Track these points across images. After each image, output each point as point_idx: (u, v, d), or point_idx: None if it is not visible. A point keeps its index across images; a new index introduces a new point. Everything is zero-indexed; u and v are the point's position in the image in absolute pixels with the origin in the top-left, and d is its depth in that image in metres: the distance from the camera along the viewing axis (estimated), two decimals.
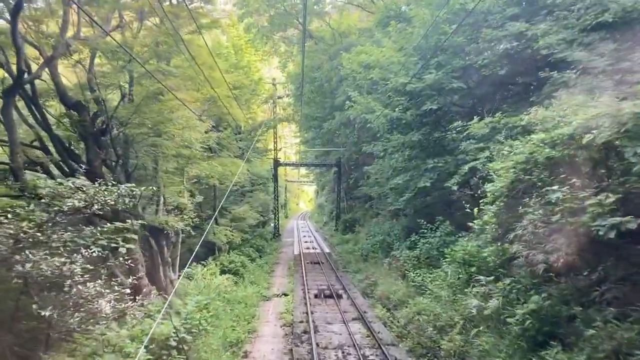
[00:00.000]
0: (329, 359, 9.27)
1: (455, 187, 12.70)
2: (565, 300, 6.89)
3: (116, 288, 6.59)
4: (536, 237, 7.38)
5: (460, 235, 12.21)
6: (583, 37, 9.27)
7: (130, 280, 7.38)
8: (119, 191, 6.50)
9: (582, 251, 7.07)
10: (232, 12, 31.73)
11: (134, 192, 6.92)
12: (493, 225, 8.57)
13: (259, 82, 27.37)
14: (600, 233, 5.51)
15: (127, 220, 7.53)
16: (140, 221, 7.59)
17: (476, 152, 11.46)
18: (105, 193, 6.33)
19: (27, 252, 5.30)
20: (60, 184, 6.18)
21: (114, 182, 6.74)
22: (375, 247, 20.30)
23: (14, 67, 8.31)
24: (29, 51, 9.98)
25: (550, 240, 7.23)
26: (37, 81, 10.08)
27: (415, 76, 14.20)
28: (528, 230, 7.53)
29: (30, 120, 9.97)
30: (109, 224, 6.78)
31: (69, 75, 11.47)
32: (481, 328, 7.87)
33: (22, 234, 5.40)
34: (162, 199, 12.32)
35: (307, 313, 12.61)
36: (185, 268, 9.49)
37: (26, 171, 8.74)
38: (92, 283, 6.12)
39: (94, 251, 6.25)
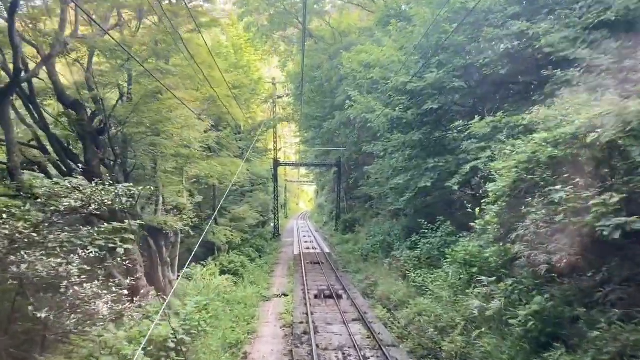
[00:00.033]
0: None
1: (456, 187, 12.62)
2: (568, 302, 6.81)
3: (114, 289, 6.50)
4: (538, 238, 7.30)
5: (461, 235, 12.14)
6: (586, 35, 9.19)
7: (128, 281, 7.27)
8: (116, 191, 6.41)
9: (585, 252, 7.00)
10: (232, 11, 31.65)
11: (132, 192, 6.83)
12: (495, 225, 8.49)
13: (258, 82, 27.28)
14: (605, 233, 5.42)
15: (125, 221, 7.46)
16: (138, 221, 7.49)
17: (477, 152, 11.38)
18: (102, 193, 6.24)
19: (22, 252, 5.22)
20: (57, 183, 6.09)
21: (111, 182, 6.64)
22: (375, 247, 20.21)
23: (11, 66, 8.22)
24: (27, 50, 9.91)
25: (552, 240, 7.15)
26: (34, 80, 10.00)
27: (416, 75, 14.12)
28: (530, 230, 7.46)
29: (29, 120, 9.90)
30: (106, 224, 6.69)
31: (67, 74, 11.39)
32: (483, 329, 7.78)
33: (17, 235, 5.31)
34: (161, 198, 12.24)
35: (307, 314, 12.53)
36: (184, 268, 9.39)
37: (25, 171, 8.67)
38: (89, 284, 6.03)
39: (91, 252, 6.16)
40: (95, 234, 6.26)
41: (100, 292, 6.17)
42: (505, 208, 8.09)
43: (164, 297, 9.80)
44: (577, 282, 6.96)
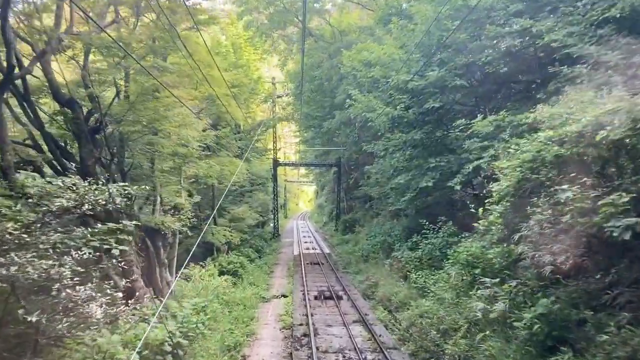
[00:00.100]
0: None
1: (458, 187, 12.45)
2: (574, 304, 6.64)
3: (108, 291, 6.33)
4: (543, 238, 7.14)
5: (463, 236, 11.97)
6: (593, 30, 9.04)
7: (123, 282, 7.10)
8: (110, 190, 6.23)
9: (592, 253, 6.84)
10: (231, 10, 31.51)
11: (127, 192, 6.65)
12: (499, 225, 8.33)
13: (258, 81, 27.13)
14: (615, 234, 5.25)
15: (121, 221, 7.28)
16: (134, 222, 7.31)
17: (480, 151, 11.21)
18: (96, 192, 6.06)
19: (12, 254, 5.04)
20: (49, 182, 5.91)
21: (104, 181, 6.46)
22: (375, 248, 20.04)
23: (4, 63, 8.04)
24: (23, 48, 9.74)
25: (557, 241, 6.99)
26: (30, 78, 9.85)
27: (417, 74, 13.95)
28: (534, 230, 7.30)
29: (24, 119, 9.71)
30: (100, 225, 6.51)
31: (63, 72, 11.22)
32: (487, 332, 7.60)
33: (7, 236, 5.13)
34: (158, 198, 12.06)
35: (306, 315, 12.36)
36: (182, 269, 9.21)
37: (21, 171, 8.50)
38: (82, 286, 5.85)
39: (85, 253, 5.98)
40: (89, 235, 6.08)
41: (94, 294, 5.99)
42: (510, 208, 7.93)
43: (161, 298, 9.62)
44: (583, 283, 6.79)
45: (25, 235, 5.22)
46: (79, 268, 5.96)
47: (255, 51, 30.97)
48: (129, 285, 8.10)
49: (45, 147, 9.70)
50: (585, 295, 6.65)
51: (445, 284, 10.64)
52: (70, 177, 6.38)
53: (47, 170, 9.64)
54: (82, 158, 9.45)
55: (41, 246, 5.44)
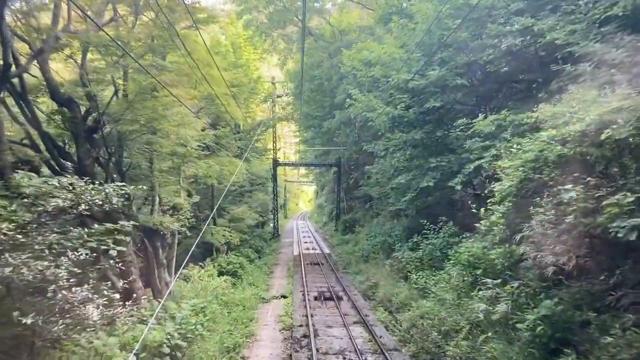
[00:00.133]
0: None
1: (459, 187, 12.37)
2: (578, 305, 6.56)
3: (105, 293, 6.24)
4: (545, 238, 7.06)
5: (464, 236, 11.88)
6: (597, 28, 8.96)
7: (121, 283, 7.01)
8: (107, 190, 6.14)
9: (595, 253, 6.76)
10: (231, 10, 31.44)
11: (124, 192, 6.56)
12: (501, 226, 8.25)
13: (257, 81, 27.05)
14: (620, 235, 5.17)
15: (119, 221, 7.19)
16: (132, 222, 7.22)
17: (481, 151, 11.13)
18: (93, 192, 5.97)
19: (7, 255, 4.95)
20: (45, 182, 5.82)
21: (101, 181, 6.38)
22: (376, 248, 19.96)
23: (0, 62, 7.95)
24: (21, 47, 9.65)
25: (559, 241, 6.91)
26: (28, 77, 9.75)
27: (418, 73, 13.87)
28: (536, 231, 7.22)
29: (21, 118, 9.62)
30: (96, 225, 6.42)
31: (60, 71, 11.13)
32: (489, 334, 7.52)
33: (2, 236, 5.04)
34: (157, 198, 11.97)
35: (306, 316, 12.27)
36: (180, 269, 9.13)
37: (19, 171, 8.39)
38: (79, 288, 5.76)
39: (82, 254, 5.89)
40: (85, 235, 5.99)
41: (91, 296, 5.90)
42: (512, 208, 7.85)
43: (160, 299, 9.53)
44: (586, 285, 6.71)
45: (20, 236, 5.13)
46: (75, 269, 5.89)
47: (255, 51, 30.90)
48: (127, 286, 8.00)
49: (43, 147, 9.61)
50: (588, 297, 6.57)
51: (446, 284, 10.56)
52: (66, 177, 6.29)
53: (45, 170, 9.55)
54: (80, 158, 9.36)
55: (37, 247, 5.35)
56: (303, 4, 28.21)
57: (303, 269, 19.77)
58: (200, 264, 16.48)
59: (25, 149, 9.58)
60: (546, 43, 10.80)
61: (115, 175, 10.70)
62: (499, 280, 8.10)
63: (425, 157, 14.95)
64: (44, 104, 11.02)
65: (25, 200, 5.70)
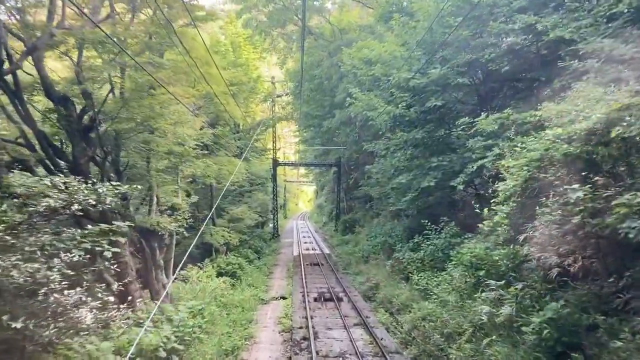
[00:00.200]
0: None
1: (461, 187, 12.19)
2: (584, 308, 6.40)
3: (100, 295, 6.06)
4: (549, 239, 6.90)
5: (466, 237, 11.71)
6: (605, 24, 8.81)
7: (116, 286, 6.84)
8: (100, 190, 5.97)
9: (602, 255, 6.60)
10: (231, 10, 31.28)
11: (119, 191, 6.39)
12: (505, 226, 8.08)
13: (257, 80, 26.87)
14: (631, 236, 5.00)
15: (114, 222, 7.02)
16: (128, 222, 7.04)
17: (483, 150, 10.96)
18: (86, 192, 5.79)
19: None
20: (37, 181, 5.64)
21: (94, 180, 6.20)
22: (376, 249, 19.79)
23: None
24: (16, 45, 9.48)
25: (564, 242, 6.75)
26: (23, 75, 9.58)
27: (419, 71, 13.70)
28: (540, 231, 7.06)
29: (16, 117, 9.44)
30: (90, 226, 6.25)
31: (56, 69, 10.96)
32: (493, 337, 7.35)
33: None
34: (155, 198, 11.79)
35: (306, 318, 12.10)
36: (177, 271, 8.95)
37: (15, 170, 8.22)
38: (72, 290, 5.59)
39: (75, 255, 5.72)
40: (79, 237, 5.81)
41: (84, 298, 5.73)
42: (516, 208, 7.68)
43: (156, 302, 9.35)
44: (594, 287, 6.55)
45: (9, 237, 4.95)
46: (69, 271, 5.71)
47: (255, 50, 30.70)
48: (122, 288, 7.82)
49: (38, 146, 9.44)
50: (595, 299, 6.41)
51: (448, 286, 10.39)
52: (59, 176, 6.11)
53: (42, 171, 9.37)
54: (75, 157, 9.19)
55: (27, 248, 5.17)
56: (303, 2, 28.08)
57: (303, 270, 19.60)
58: (199, 264, 16.32)
59: (20, 147, 9.41)
60: (548, 41, 10.65)
61: (112, 175, 10.53)
62: (502, 282, 7.94)
63: (426, 156, 14.78)
64: (40, 103, 10.84)
65: (16, 200, 5.53)
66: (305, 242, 31.61)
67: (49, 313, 5.53)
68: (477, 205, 9.48)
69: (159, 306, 8.28)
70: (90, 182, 6.17)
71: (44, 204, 5.28)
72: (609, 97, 6.66)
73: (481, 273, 8.95)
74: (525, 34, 11.67)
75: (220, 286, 14.36)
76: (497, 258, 8.40)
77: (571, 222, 6.31)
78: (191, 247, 8.67)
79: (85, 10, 9.53)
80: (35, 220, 5.54)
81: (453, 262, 10.49)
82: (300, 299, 14.53)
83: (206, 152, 15.82)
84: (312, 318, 12.14)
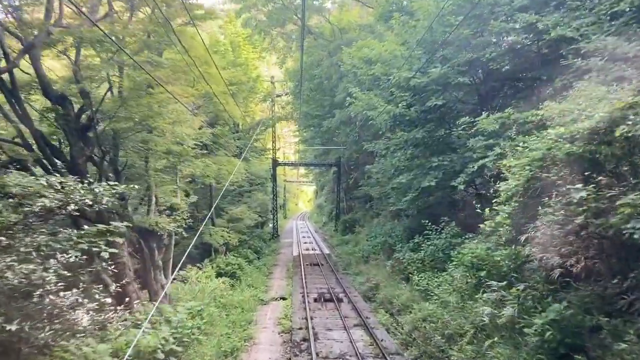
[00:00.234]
0: None
1: (462, 187, 12.12)
2: (587, 309, 6.32)
3: (97, 297, 5.98)
4: (551, 239, 6.82)
5: (467, 237, 11.64)
6: (608, 22, 8.74)
7: (114, 287, 6.76)
8: (97, 190, 5.89)
9: (605, 255, 6.53)
10: (230, 9, 31.18)
11: (116, 191, 6.31)
12: (506, 226, 8.01)
13: (256, 80, 26.79)
14: (636, 236, 4.93)
15: (113, 222, 6.93)
16: (125, 223, 6.97)
17: (484, 150, 10.89)
18: (82, 192, 5.71)
19: None
20: (33, 181, 5.56)
21: (90, 180, 6.12)
22: (376, 249, 19.71)
23: None
24: (13, 43, 9.40)
25: (566, 242, 6.67)
26: (21, 75, 9.49)
27: (419, 71, 13.63)
28: (542, 231, 6.98)
29: (13, 116, 9.36)
30: (86, 227, 6.16)
31: (54, 68, 10.87)
32: (495, 338, 7.27)
33: None
34: (153, 198, 11.71)
35: (306, 319, 12.02)
36: (176, 271, 8.87)
37: (13, 170, 8.15)
38: (68, 292, 5.51)
39: (71, 256, 5.63)
40: (75, 237, 5.73)
41: (80, 300, 5.64)
42: (518, 208, 7.60)
43: (154, 302, 9.27)
44: (597, 288, 6.47)
45: (4, 238, 4.87)
46: (65, 272, 5.63)
47: (254, 49, 30.62)
48: (119, 289, 7.73)
49: (35, 145, 9.35)
50: (598, 300, 6.33)
51: (449, 286, 10.32)
52: (56, 175, 6.03)
53: (39, 170, 9.29)
54: (73, 156, 9.10)
55: (23, 249, 5.09)
56: (302, 2, 27.96)
57: (303, 270, 19.52)
58: (198, 265, 16.23)
59: (17, 147, 9.33)
60: (549, 40, 10.58)
61: (110, 174, 10.44)
62: (504, 283, 7.86)
63: (426, 156, 14.71)
64: (37, 102, 10.75)
65: (12, 200, 5.44)
66: (305, 242, 31.54)
67: (45, 315, 5.45)
68: (478, 205, 9.40)
69: (158, 307, 8.20)
70: (86, 181, 6.08)
71: (39, 204, 5.20)
72: (612, 95, 6.60)
73: (482, 274, 8.87)
74: (526, 32, 11.60)
75: (219, 287, 14.28)
76: (498, 258, 8.32)
77: (574, 222, 6.25)
78: (190, 247, 8.60)
79: (83, 9, 9.44)
80: (30, 220, 5.46)
81: (454, 263, 10.42)
82: (300, 300, 14.45)
83: (205, 151, 15.73)
84: (312, 319, 12.06)
